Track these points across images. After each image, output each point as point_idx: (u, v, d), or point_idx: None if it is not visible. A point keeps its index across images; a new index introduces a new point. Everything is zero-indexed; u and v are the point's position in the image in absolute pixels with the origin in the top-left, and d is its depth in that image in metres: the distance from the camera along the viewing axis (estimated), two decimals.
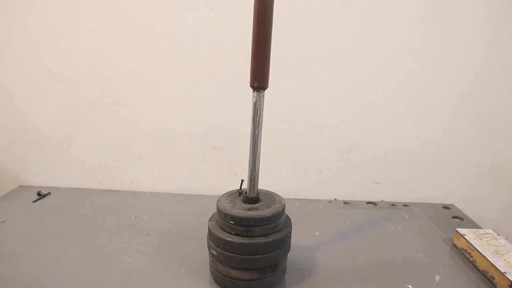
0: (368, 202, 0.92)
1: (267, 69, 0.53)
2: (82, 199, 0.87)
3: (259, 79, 0.53)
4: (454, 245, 0.73)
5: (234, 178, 0.92)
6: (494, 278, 0.60)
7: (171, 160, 0.92)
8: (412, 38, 0.83)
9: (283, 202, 0.58)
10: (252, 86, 0.54)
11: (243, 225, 0.54)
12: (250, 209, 0.55)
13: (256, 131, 0.55)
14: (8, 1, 0.81)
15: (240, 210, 0.55)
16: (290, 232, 0.58)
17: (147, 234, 0.73)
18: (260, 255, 0.54)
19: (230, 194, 0.61)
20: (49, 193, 0.89)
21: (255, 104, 0.55)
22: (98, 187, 0.94)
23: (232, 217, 0.54)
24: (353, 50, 0.84)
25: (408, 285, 0.60)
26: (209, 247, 0.57)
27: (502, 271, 0.59)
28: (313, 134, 0.90)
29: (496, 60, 0.84)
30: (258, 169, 0.57)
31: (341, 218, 0.83)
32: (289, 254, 0.61)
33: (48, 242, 0.69)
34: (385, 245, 0.72)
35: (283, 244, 0.56)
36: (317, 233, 0.76)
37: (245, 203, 0.57)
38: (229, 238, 0.54)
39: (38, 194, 0.88)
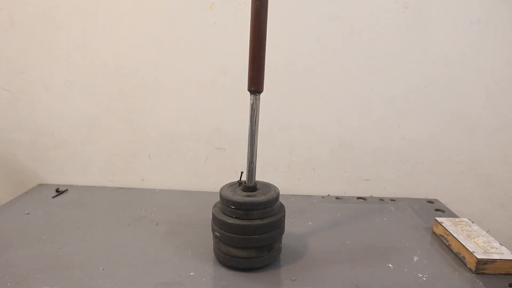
0: (358, 198, 1.00)
1: (262, 75, 0.62)
2: (96, 195, 0.96)
3: (255, 84, 0.62)
4: (434, 233, 0.80)
5: (235, 176, 0.98)
6: (464, 258, 0.68)
7: (178, 160, 1.01)
8: (395, 48, 0.92)
9: (277, 190, 0.67)
10: (249, 90, 0.63)
11: (242, 209, 0.62)
12: (248, 196, 0.64)
13: (254, 129, 0.64)
14: (32, 19, 0.91)
15: (240, 196, 0.63)
16: (283, 217, 0.66)
17: (157, 224, 0.81)
18: (257, 235, 0.62)
19: (231, 185, 0.69)
20: (67, 190, 0.98)
21: (252, 105, 0.63)
22: (110, 185, 1.03)
23: (233, 203, 0.62)
24: (342, 59, 0.93)
25: (389, 264, 0.68)
26: (213, 230, 0.66)
27: (471, 251, 0.67)
28: (307, 136, 0.98)
29: (472, 67, 0.93)
30: (256, 161, 0.66)
31: (333, 211, 0.91)
32: (284, 240, 0.69)
33: (69, 231, 0.77)
34: (371, 232, 0.80)
35: (278, 226, 0.64)
36: (310, 223, 0.84)
37: (244, 191, 0.66)
38: (230, 220, 0.62)
39: (57, 191, 0.96)
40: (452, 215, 0.90)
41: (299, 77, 0.94)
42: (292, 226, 0.80)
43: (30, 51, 0.94)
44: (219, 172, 1.01)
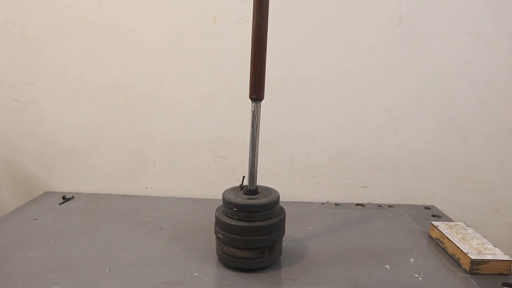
0: (357, 204, 1.02)
1: (262, 84, 0.66)
2: (102, 202, 0.98)
3: (256, 91, 0.66)
4: (430, 236, 0.83)
5: (237, 183, 1.02)
6: (459, 259, 0.70)
7: (181, 168, 1.03)
8: (390, 58, 0.96)
9: (277, 194, 0.70)
10: (251, 98, 0.66)
11: (244, 211, 0.64)
12: (250, 199, 0.66)
13: (255, 134, 0.67)
14: (42, 32, 0.95)
15: (242, 199, 0.66)
16: (283, 219, 0.68)
17: (161, 228, 0.84)
18: (259, 236, 0.64)
19: (233, 189, 0.72)
20: (73, 197, 1.00)
21: (253, 112, 0.67)
22: (116, 193, 1.05)
23: (235, 205, 0.65)
24: (339, 70, 0.97)
25: (386, 265, 0.70)
26: (216, 232, 0.68)
27: (465, 252, 0.69)
28: (307, 144, 1.02)
29: (465, 77, 0.97)
30: (257, 166, 0.69)
31: (332, 217, 0.93)
32: (285, 243, 0.72)
33: (76, 234, 0.79)
34: (369, 236, 0.82)
35: (278, 228, 0.67)
36: (310, 228, 0.86)
37: (246, 194, 0.69)
38: (233, 222, 0.65)
39: (63, 198, 0.99)
40: (448, 220, 0.93)
41: (299, 87, 0.98)
42: (292, 230, 0.83)
43: (39, 62, 0.98)
44: (221, 180, 1.04)
